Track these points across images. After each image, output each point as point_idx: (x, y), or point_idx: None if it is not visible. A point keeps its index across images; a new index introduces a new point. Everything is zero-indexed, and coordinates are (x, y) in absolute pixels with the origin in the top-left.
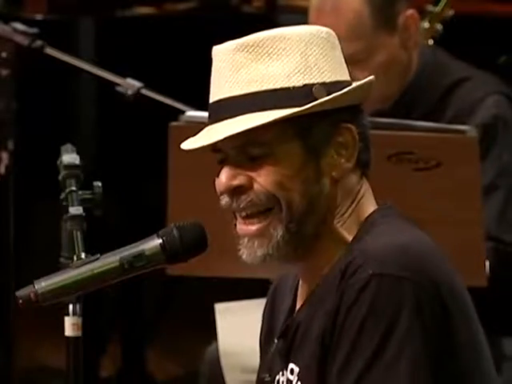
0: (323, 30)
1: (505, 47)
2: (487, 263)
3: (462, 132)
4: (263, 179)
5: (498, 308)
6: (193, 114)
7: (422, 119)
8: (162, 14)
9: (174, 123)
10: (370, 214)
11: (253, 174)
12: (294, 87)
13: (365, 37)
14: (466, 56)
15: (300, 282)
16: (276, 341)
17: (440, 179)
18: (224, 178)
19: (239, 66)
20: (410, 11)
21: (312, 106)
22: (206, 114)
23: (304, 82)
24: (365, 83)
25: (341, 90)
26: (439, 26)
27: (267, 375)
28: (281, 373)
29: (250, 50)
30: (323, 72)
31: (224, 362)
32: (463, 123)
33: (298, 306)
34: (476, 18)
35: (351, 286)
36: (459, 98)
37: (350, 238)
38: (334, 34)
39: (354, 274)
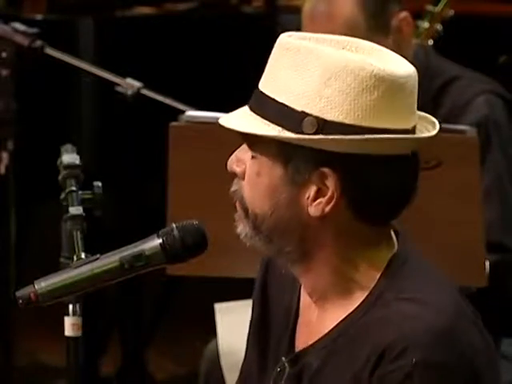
0: (372, 70)
1: (505, 47)
2: (487, 263)
3: (463, 132)
4: (246, 183)
5: (497, 308)
6: (193, 113)
7: None
8: (162, 13)
9: (173, 123)
10: (390, 260)
11: (247, 170)
12: (291, 108)
13: None
14: (465, 56)
15: (304, 295)
16: (286, 364)
17: (440, 179)
18: (231, 159)
19: (275, 64)
20: (404, 14)
21: (278, 136)
22: (206, 114)
23: (304, 109)
24: (356, 139)
25: (338, 134)
26: (439, 26)
27: None
28: None
29: (290, 54)
30: (332, 109)
31: (224, 361)
32: (454, 123)
33: (303, 322)
34: (476, 18)
35: (393, 371)
36: (450, 98)
37: (364, 282)
38: (391, 78)
39: (394, 360)
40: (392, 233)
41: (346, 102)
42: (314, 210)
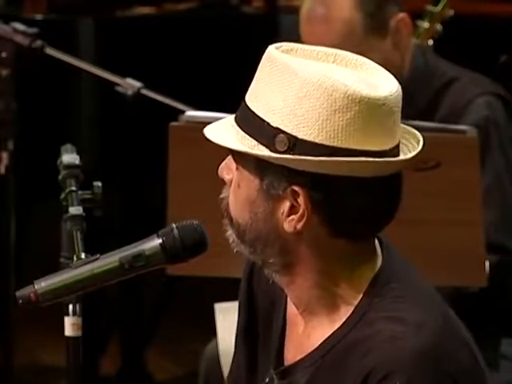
0: (346, 92)
1: (505, 47)
2: (487, 263)
3: (462, 132)
4: (231, 192)
5: (497, 308)
6: (193, 113)
7: (414, 121)
8: (162, 13)
9: (173, 123)
10: (376, 275)
11: (233, 179)
12: (268, 124)
13: (357, 43)
14: (465, 56)
15: (291, 305)
16: (274, 376)
17: (440, 179)
18: (221, 166)
19: (260, 77)
20: (402, 15)
21: (252, 153)
22: (206, 114)
23: (278, 125)
24: (329, 160)
25: (309, 154)
26: (439, 26)
27: None
28: None
29: (272, 67)
30: (304, 127)
31: (223, 361)
32: (455, 124)
33: (291, 337)
34: (476, 18)
35: None
36: (449, 99)
37: (349, 297)
38: (363, 100)
39: (380, 383)
40: (377, 243)
41: (318, 122)
42: (287, 226)
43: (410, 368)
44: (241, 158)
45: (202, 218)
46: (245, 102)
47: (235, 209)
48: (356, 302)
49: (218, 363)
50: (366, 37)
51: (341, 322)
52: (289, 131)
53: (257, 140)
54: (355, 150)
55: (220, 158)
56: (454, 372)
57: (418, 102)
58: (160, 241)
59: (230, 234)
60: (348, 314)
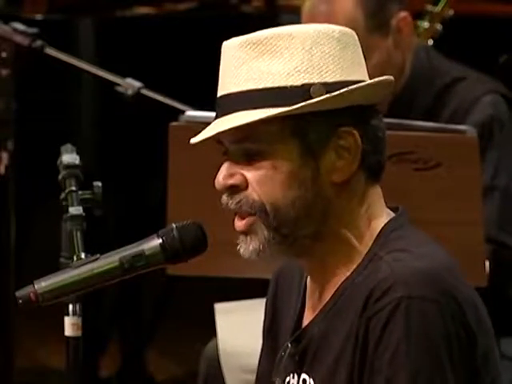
0: (336, 29)
1: (505, 47)
2: (487, 263)
3: (462, 132)
4: (256, 184)
5: (497, 308)
6: (193, 113)
7: (418, 120)
8: (162, 13)
9: (174, 123)
10: (384, 226)
11: (248, 176)
12: (291, 86)
13: (359, 41)
14: (466, 56)
15: (309, 281)
16: (289, 345)
17: (440, 179)
18: (221, 176)
19: (241, 62)
20: (403, 14)
21: (300, 107)
22: (206, 114)
23: (303, 82)
24: (369, 84)
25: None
26: (439, 26)
27: (278, 379)
28: (291, 375)
29: (254, 47)
30: (327, 72)
31: (224, 361)
32: (459, 123)
33: (308, 308)
34: (476, 18)
35: (380, 309)
36: (454, 99)
37: (363, 247)
38: (350, 33)
39: (381, 297)
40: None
41: (334, 63)
42: (340, 174)
43: (410, 281)
44: (267, 135)
45: (201, 217)
46: (228, 93)
47: (273, 193)
48: (368, 249)
49: (218, 363)
50: (368, 35)
51: (351, 271)
52: (317, 81)
53: (277, 107)
54: (363, 81)
55: (220, 158)
56: (456, 294)
57: (421, 101)
58: (160, 241)
59: (259, 236)
60: (359, 262)
